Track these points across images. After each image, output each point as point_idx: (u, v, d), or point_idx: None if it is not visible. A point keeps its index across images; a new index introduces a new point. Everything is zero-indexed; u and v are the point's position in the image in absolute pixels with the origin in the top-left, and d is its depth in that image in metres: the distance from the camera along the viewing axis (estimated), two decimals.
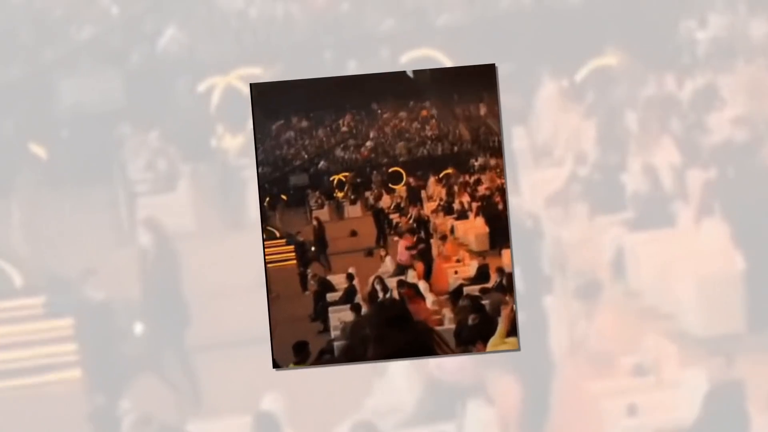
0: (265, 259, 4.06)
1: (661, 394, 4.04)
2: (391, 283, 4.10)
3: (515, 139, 4.09)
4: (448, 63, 4.08)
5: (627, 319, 4.06)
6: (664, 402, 4.04)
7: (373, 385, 4.02)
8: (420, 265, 4.13)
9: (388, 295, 4.09)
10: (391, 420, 4.05)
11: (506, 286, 4.05)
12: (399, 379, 4.03)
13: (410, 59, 4.08)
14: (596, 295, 4.05)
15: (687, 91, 4.10)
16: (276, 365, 4.01)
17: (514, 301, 4.01)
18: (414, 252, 4.14)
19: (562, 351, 4.03)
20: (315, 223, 4.15)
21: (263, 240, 4.07)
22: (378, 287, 4.10)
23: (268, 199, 4.12)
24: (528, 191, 4.07)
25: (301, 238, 4.15)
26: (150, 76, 4.06)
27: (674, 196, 4.09)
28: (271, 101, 4.10)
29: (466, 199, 4.14)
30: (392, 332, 4.05)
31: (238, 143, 4.09)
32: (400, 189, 4.17)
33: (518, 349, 4.01)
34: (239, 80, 4.08)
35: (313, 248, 4.13)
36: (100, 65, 4.05)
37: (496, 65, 4.07)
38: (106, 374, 4.02)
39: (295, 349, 4.05)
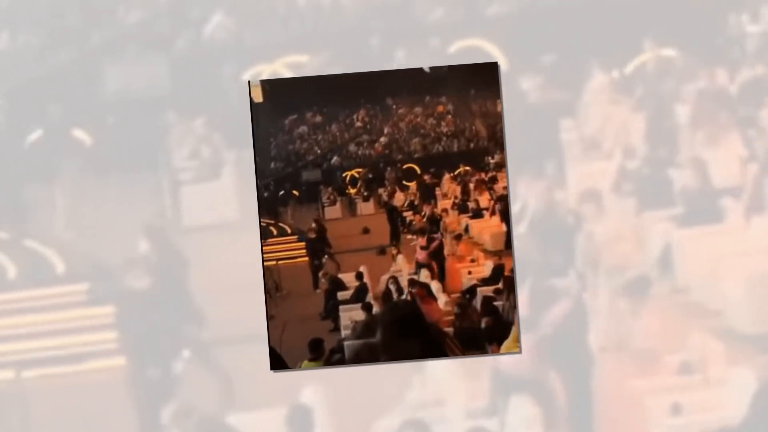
0: (262, 255, 3.99)
1: (707, 393, 3.98)
2: (405, 282, 4.04)
3: (563, 132, 4.04)
4: (496, 54, 4.04)
5: (673, 316, 4.00)
6: (710, 401, 3.98)
7: (414, 379, 3.98)
8: (433, 265, 4.08)
9: (403, 296, 4.03)
10: (432, 415, 4.01)
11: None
12: (441, 373, 3.99)
13: (459, 49, 4.04)
14: (642, 292, 4.00)
15: (738, 84, 4.05)
16: (275, 366, 3.95)
17: (515, 302, 3.96)
18: (428, 251, 4.08)
19: (607, 348, 3.98)
20: (314, 225, 4.11)
21: (260, 237, 4.00)
22: (392, 287, 4.04)
23: (280, 194, 4.08)
24: (575, 184, 4.02)
25: (312, 235, 4.12)
26: (196, 62, 4.03)
27: (724, 191, 4.03)
28: (284, 95, 4.05)
29: (481, 197, 4.09)
30: (403, 333, 3.99)
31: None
32: (414, 186, 4.12)
33: (519, 351, 3.95)
34: (285, 68, 4.04)
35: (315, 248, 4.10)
36: (147, 51, 4.03)
37: (498, 63, 4.02)
38: (147, 363, 3.99)
39: (310, 346, 3.99)
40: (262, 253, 3.98)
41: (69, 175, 4.03)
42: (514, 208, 4.01)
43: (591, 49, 4.03)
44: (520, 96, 4.04)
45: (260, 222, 4.00)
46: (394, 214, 4.12)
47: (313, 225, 4.10)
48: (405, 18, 4.05)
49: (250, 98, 4.02)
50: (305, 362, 3.98)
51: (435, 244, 4.08)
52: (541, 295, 3.98)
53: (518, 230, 4.01)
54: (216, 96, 4.02)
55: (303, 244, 4.11)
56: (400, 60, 4.02)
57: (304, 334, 3.99)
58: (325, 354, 3.98)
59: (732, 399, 3.97)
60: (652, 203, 4.04)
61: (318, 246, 4.10)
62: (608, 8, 4.02)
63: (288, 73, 4.03)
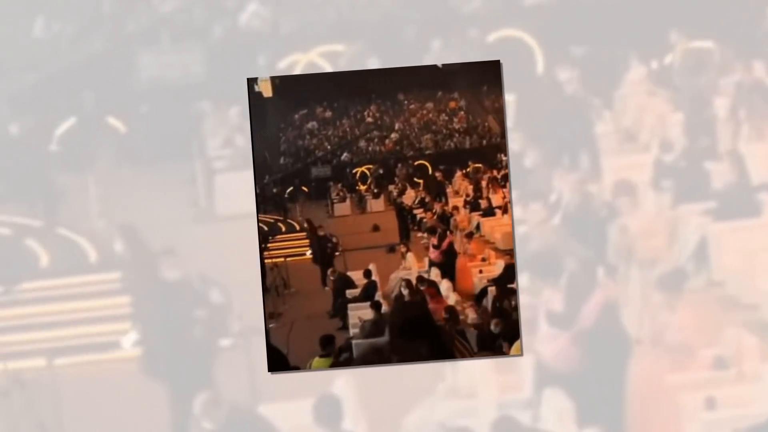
0: (261, 251, 3.96)
1: (741, 387, 3.95)
2: (414, 281, 4.01)
3: (599, 124, 4.01)
4: (533, 45, 4.01)
5: (708, 310, 3.97)
6: (744, 396, 3.95)
7: (445, 371, 3.96)
8: (444, 263, 4.04)
9: (413, 297, 3.99)
10: (464, 407, 3.99)
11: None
12: (472, 366, 3.97)
13: (497, 39, 4.01)
14: (677, 286, 3.97)
15: None
16: (272, 368, 3.93)
17: (516, 305, 3.94)
18: (440, 250, 4.04)
19: (641, 342, 3.95)
20: (306, 224, 4.07)
21: (258, 233, 3.96)
22: (404, 291, 4.00)
23: (289, 190, 4.04)
24: (610, 177, 3.99)
25: (322, 233, 4.07)
26: (231, 51, 4.01)
27: (761, 185, 4.00)
28: (294, 90, 4.00)
29: (494, 195, 4.05)
30: (412, 333, 3.95)
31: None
32: (425, 183, 4.08)
33: (521, 354, 3.93)
34: (320, 57, 4.02)
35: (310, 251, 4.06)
36: (181, 39, 4.01)
37: (501, 62, 3.99)
38: (180, 353, 3.98)
39: (322, 342, 3.95)
40: (260, 250, 3.96)
41: (102, 163, 4.01)
42: (550, 199, 3.99)
43: (629, 40, 4.00)
44: (556, 87, 4.01)
45: (258, 218, 3.97)
46: (403, 213, 4.09)
47: (306, 225, 4.06)
48: (442, 8, 4.02)
49: (257, 93, 3.99)
50: (316, 359, 3.94)
51: (446, 242, 4.04)
52: (574, 289, 3.96)
53: (552, 222, 3.99)
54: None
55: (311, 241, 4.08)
56: (435, 51, 4.00)
57: (312, 332, 3.96)
58: (335, 351, 3.96)
59: (766, 394, 3.95)
60: (688, 196, 4.01)
61: (313, 248, 4.07)
62: (648, 0, 3.99)
63: (323, 63, 4.01)
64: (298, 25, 4.03)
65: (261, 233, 3.98)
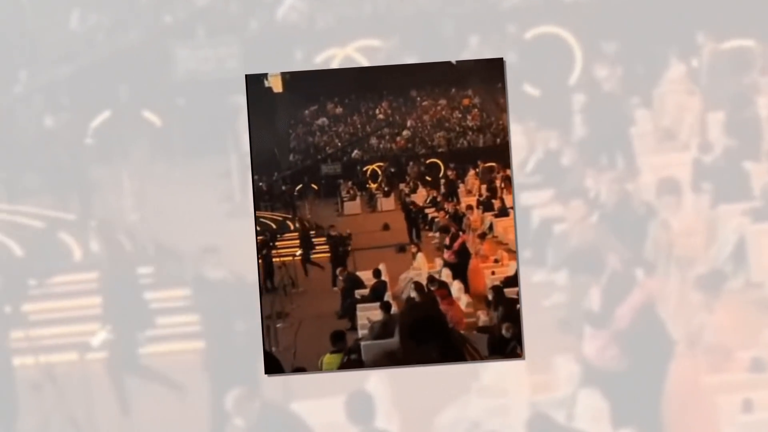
0: (257, 248, 3.92)
1: None
2: (425, 282, 3.95)
3: (639, 122, 3.96)
4: (571, 41, 3.96)
5: (747, 311, 3.93)
6: None
7: (477, 370, 3.93)
8: (456, 264, 3.98)
9: (423, 298, 3.94)
10: (497, 405, 3.95)
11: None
12: (505, 366, 3.94)
13: (534, 36, 3.97)
14: (716, 287, 3.93)
15: None
16: (269, 371, 3.90)
17: (519, 308, 3.90)
18: (453, 250, 3.98)
19: (678, 343, 3.91)
20: (298, 224, 4.00)
21: (256, 230, 3.93)
22: (413, 294, 3.95)
23: (298, 188, 3.98)
24: (649, 176, 3.95)
25: (333, 232, 4.00)
26: (268, 45, 3.98)
27: None
28: (304, 85, 3.95)
29: (507, 195, 3.98)
30: (422, 336, 3.90)
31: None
32: (437, 182, 4.01)
33: (522, 358, 3.89)
34: (357, 52, 3.99)
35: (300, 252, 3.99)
36: (218, 33, 3.98)
37: (504, 60, 3.94)
38: (211, 349, 3.95)
39: (332, 338, 3.91)
40: (257, 248, 3.92)
41: (137, 156, 3.99)
42: (589, 196, 3.95)
43: (669, 37, 3.95)
44: (595, 85, 3.97)
45: (256, 217, 3.94)
46: (410, 212, 4.01)
47: (298, 224, 3.99)
48: (480, 3, 3.98)
49: (268, 88, 3.94)
50: (327, 356, 3.90)
51: (459, 242, 3.98)
52: (612, 288, 3.92)
53: (590, 220, 3.95)
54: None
55: (321, 239, 4.01)
56: (473, 47, 3.96)
57: (320, 332, 3.92)
58: (347, 347, 3.92)
59: None
60: (727, 197, 3.96)
61: (303, 250, 4.00)
62: None
63: (360, 58, 3.98)
64: (335, 20, 3.99)
65: (269, 231, 3.95)
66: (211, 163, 3.96)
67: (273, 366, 3.90)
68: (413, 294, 3.93)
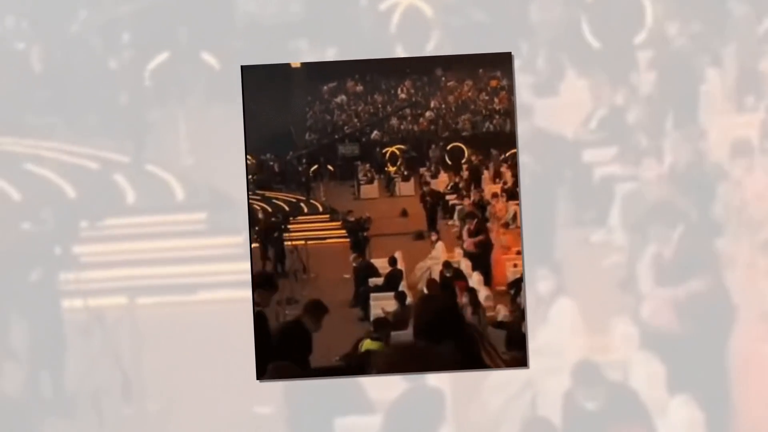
0: (250, 234, 3.83)
1: None
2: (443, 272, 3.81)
3: (706, 81, 3.86)
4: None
5: None
6: None
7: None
8: (475, 255, 3.84)
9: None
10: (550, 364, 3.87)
11: None
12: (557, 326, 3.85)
13: None
14: None
15: None
16: (260, 376, 3.81)
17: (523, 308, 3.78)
18: (474, 240, 3.84)
19: (741, 307, 3.81)
20: (316, 207, 3.88)
21: (249, 215, 3.83)
22: (435, 278, 3.83)
23: (313, 168, 3.86)
24: (719, 136, 3.85)
25: (351, 218, 3.88)
26: None
27: None
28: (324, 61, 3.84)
29: None
30: (438, 328, 3.78)
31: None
32: (460, 167, 3.86)
33: (527, 366, 3.79)
34: (422, 0, 3.90)
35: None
36: None
37: (512, 54, 3.82)
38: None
39: (375, 325, 3.81)
40: (250, 239, 3.84)
41: (194, 99, 3.92)
42: (654, 158, 3.85)
43: None
44: (665, 42, 3.87)
45: (249, 202, 3.84)
46: (425, 198, 3.86)
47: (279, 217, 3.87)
48: None
49: (282, 65, 3.82)
50: (367, 341, 3.80)
51: (481, 233, 3.85)
52: (678, 250, 3.82)
53: (658, 181, 3.86)
54: (350, 26, 3.88)
55: (337, 223, 3.87)
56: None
57: (331, 321, 3.83)
58: (390, 335, 3.80)
59: None
60: None
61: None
62: None
63: (425, 8, 3.89)
64: None
65: (281, 213, 3.86)
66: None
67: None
68: (434, 278, 3.81)
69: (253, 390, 3.84)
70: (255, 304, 3.82)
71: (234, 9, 3.90)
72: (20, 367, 3.86)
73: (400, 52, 3.87)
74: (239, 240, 3.89)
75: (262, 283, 3.83)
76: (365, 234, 3.86)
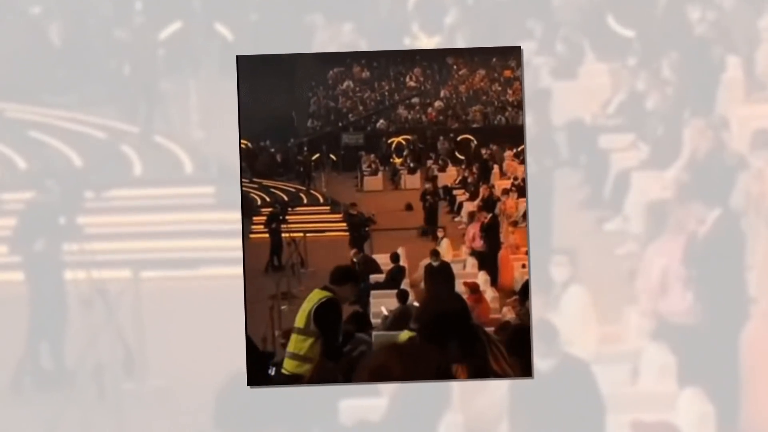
0: (243, 227, 3.71)
1: None
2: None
3: (730, 69, 3.79)
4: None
5: None
6: None
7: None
8: (482, 253, 3.70)
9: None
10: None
11: None
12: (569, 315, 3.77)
13: None
14: None
15: None
16: (251, 382, 3.71)
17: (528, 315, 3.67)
18: (481, 237, 3.70)
19: (756, 301, 3.74)
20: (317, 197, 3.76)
21: (242, 207, 3.72)
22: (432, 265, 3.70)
23: (315, 157, 3.72)
24: (739, 125, 3.77)
25: (353, 211, 3.74)
26: None
27: None
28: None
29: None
30: (442, 331, 3.61)
31: (433, 44, 3.82)
32: (469, 161, 3.73)
33: (531, 377, 3.67)
34: None
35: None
36: None
37: (521, 48, 3.71)
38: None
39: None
40: (243, 233, 3.75)
41: (206, 70, 3.85)
42: (680, 158, 3.75)
43: None
44: (686, 27, 3.80)
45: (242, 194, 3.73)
46: (442, 191, 3.73)
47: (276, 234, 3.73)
48: None
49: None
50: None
51: (488, 229, 3.71)
52: (693, 240, 3.75)
53: (676, 169, 3.77)
54: (365, 1, 3.81)
55: (337, 216, 3.75)
56: None
57: None
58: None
59: None
60: None
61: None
62: None
63: None
64: None
65: (280, 203, 3.75)
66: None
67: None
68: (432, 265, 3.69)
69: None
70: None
71: None
72: (21, 338, 3.79)
73: (414, 30, 3.78)
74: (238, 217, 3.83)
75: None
76: (367, 229, 3.73)
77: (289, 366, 3.66)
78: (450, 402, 3.69)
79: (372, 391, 3.71)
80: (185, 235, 3.85)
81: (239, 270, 3.78)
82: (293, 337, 3.66)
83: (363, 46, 3.78)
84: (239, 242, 3.78)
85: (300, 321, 3.66)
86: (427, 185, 3.76)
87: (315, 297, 3.66)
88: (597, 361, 3.75)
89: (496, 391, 3.69)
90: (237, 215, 3.79)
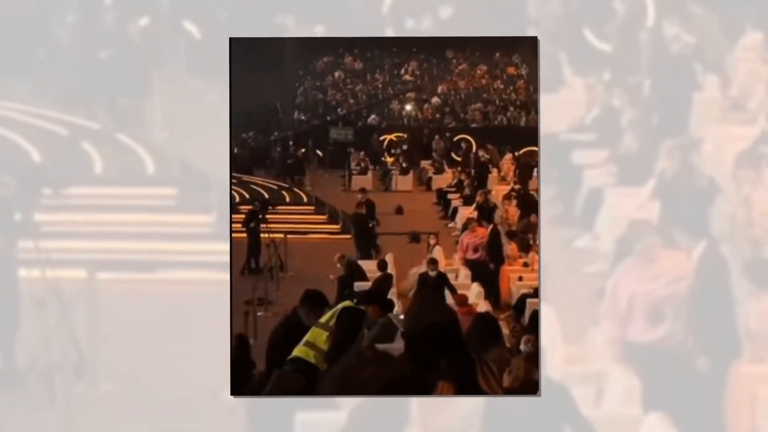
0: (230, 231, 3.51)
1: None
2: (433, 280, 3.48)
3: (707, 89, 3.74)
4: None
5: None
6: None
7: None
8: (476, 264, 3.56)
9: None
10: None
11: None
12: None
13: None
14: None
15: None
16: (235, 391, 3.55)
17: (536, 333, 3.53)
18: (474, 247, 3.57)
19: (723, 327, 3.69)
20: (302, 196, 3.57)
21: (231, 208, 3.54)
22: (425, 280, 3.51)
23: (300, 152, 3.57)
24: (711, 148, 3.72)
25: (338, 209, 3.60)
26: None
27: None
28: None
29: None
30: (431, 347, 3.41)
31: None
32: (466, 163, 3.60)
33: (538, 394, 3.56)
34: None
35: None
36: None
37: (538, 38, 3.57)
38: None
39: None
40: (230, 234, 3.58)
41: (172, 68, 3.75)
42: (653, 177, 3.68)
43: (749, 1, 3.74)
44: (662, 45, 3.76)
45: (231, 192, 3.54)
46: (437, 195, 3.59)
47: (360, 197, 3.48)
48: None
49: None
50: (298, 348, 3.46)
51: (485, 238, 3.56)
52: (662, 265, 3.68)
53: (649, 191, 3.71)
54: (339, 4, 3.73)
55: (322, 217, 3.58)
56: None
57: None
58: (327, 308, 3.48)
59: None
60: None
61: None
62: None
63: None
64: None
65: (260, 200, 3.59)
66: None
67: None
68: (425, 281, 3.49)
69: (211, 376, 3.67)
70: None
71: None
72: None
73: (388, 33, 3.63)
74: (210, 219, 3.71)
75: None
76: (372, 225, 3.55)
77: (298, 351, 3.47)
78: (409, 418, 3.60)
79: (330, 405, 3.61)
80: (145, 236, 3.74)
81: (201, 274, 3.69)
82: (314, 329, 3.45)
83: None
84: (203, 246, 3.69)
85: (325, 318, 3.48)
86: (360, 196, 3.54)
87: (347, 304, 3.50)
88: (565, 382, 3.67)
89: (459, 408, 3.59)
90: (200, 218, 3.70)
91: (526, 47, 3.51)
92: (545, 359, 3.60)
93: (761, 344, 3.67)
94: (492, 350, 3.25)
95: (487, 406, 3.49)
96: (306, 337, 3.47)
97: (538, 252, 3.51)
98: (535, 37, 3.55)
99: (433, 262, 3.50)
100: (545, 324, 3.65)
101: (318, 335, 3.47)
